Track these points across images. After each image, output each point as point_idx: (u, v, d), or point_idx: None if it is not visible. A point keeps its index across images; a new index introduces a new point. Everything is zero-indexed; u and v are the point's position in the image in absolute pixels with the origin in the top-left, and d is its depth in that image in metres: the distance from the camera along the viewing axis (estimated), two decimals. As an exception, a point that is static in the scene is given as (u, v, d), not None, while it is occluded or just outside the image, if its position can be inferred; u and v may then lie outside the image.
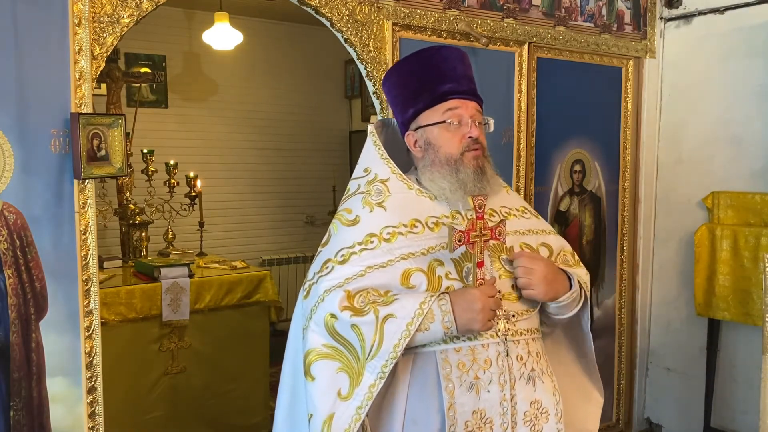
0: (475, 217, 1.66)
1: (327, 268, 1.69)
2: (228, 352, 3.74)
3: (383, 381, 1.57)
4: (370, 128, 1.88)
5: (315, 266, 1.73)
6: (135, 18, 2.20)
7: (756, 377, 2.73)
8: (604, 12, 3.54)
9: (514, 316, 1.70)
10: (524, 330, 1.72)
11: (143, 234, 4.12)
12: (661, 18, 3.77)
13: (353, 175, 1.84)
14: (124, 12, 2.17)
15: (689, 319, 3.70)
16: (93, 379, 2.17)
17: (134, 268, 3.76)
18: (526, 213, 1.93)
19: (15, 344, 2.03)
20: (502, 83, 3.15)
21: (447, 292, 1.63)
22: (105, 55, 2.14)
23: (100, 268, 3.30)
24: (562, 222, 3.49)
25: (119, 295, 3.36)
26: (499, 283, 1.71)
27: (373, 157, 1.82)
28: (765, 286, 2.58)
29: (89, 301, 2.15)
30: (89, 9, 2.09)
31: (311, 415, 1.62)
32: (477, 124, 1.74)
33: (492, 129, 1.80)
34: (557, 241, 1.92)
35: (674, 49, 3.75)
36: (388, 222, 1.71)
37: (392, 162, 1.79)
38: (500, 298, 1.68)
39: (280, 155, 6.05)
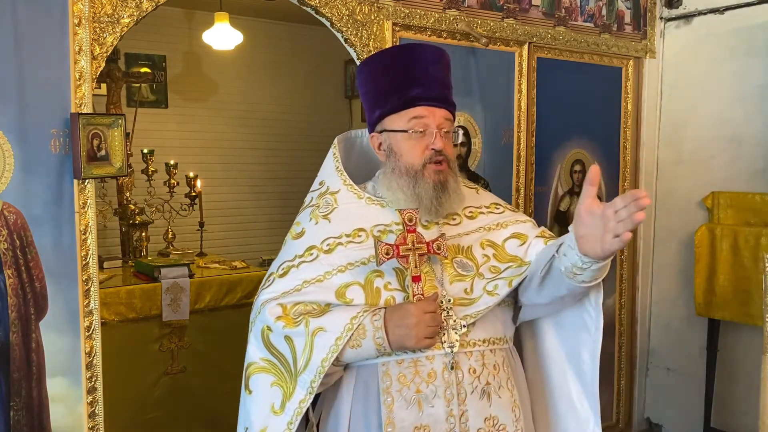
0: (405, 230, 1.59)
1: (269, 281, 1.68)
2: (228, 352, 3.71)
3: (312, 396, 1.53)
4: (336, 139, 1.85)
5: (263, 281, 1.72)
6: (135, 18, 2.19)
7: (756, 377, 2.72)
8: (604, 12, 3.54)
9: (464, 326, 1.58)
10: (479, 341, 1.61)
11: (143, 234, 4.12)
12: (661, 18, 3.77)
13: (311, 188, 1.83)
14: (124, 12, 2.17)
15: (689, 319, 3.70)
16: (93, 379, 2.17)
17: (134, 268, 3.76)
18: (498, 207, 1.84)
19: (15, 344, 2.02)
20: (502, 83, 3.15)
21: (384, 307, 1.56)
22: (105, 55, 2.14)
23: (100, 268, 3.29)
24: (562, 222, 3.49)
25: (119, 295, 3.36)
26: (449, 288, 1.62)
27: (329, 168, 1.81)
28: (765, 286, 2.58)
29: (89, 301, 2.15)
30: (89, 9, 2.09)
31: (246, 429, 1.60)
32: (444, 133, 1.65)
33: (460, 140, 1.74)
34: (534, 229, 1.78)
35: (674, 49, 3.75)
36: (329, 233, 1.68)
37: (345, 173, 1.75)
38: (442, 311, 1.56)
39: (280, 155, 6.04)
